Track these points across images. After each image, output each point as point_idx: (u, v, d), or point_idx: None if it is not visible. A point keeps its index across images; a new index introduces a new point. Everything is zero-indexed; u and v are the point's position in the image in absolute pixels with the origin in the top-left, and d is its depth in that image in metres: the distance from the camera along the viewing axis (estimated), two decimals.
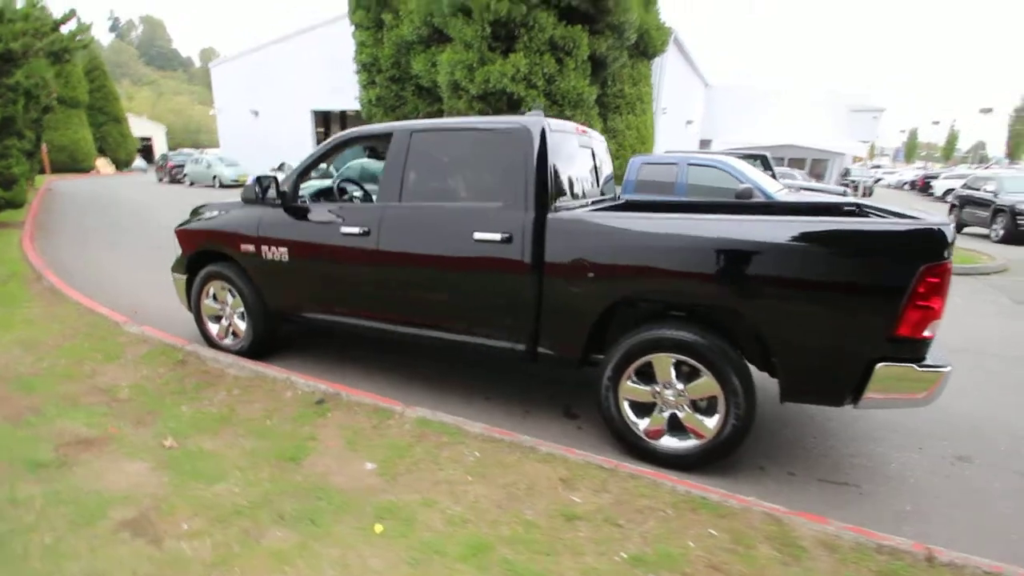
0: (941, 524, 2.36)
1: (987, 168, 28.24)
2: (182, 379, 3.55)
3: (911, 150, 70.54)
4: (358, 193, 4.28)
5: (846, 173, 26.96)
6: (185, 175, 23.02)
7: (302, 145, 23.69)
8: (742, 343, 2.58)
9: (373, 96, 13.07)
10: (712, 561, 1.99)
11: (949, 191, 20.69)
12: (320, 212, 3.48)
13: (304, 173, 3.59)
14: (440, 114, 12.15)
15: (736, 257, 2.36)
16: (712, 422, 2.56)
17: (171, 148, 43.43)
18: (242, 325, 3.95)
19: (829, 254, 2.23)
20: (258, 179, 3.52)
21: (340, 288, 3.43)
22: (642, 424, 2.72)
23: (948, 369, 2.20)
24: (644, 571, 1.94)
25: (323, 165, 5.86)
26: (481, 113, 10.66)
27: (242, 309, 3.90)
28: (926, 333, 2.16)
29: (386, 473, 2.51)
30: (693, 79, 26.70)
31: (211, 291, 4.02)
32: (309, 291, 3.57)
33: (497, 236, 2.81)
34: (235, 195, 4.86)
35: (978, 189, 13.33)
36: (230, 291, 3.93)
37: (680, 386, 2.60)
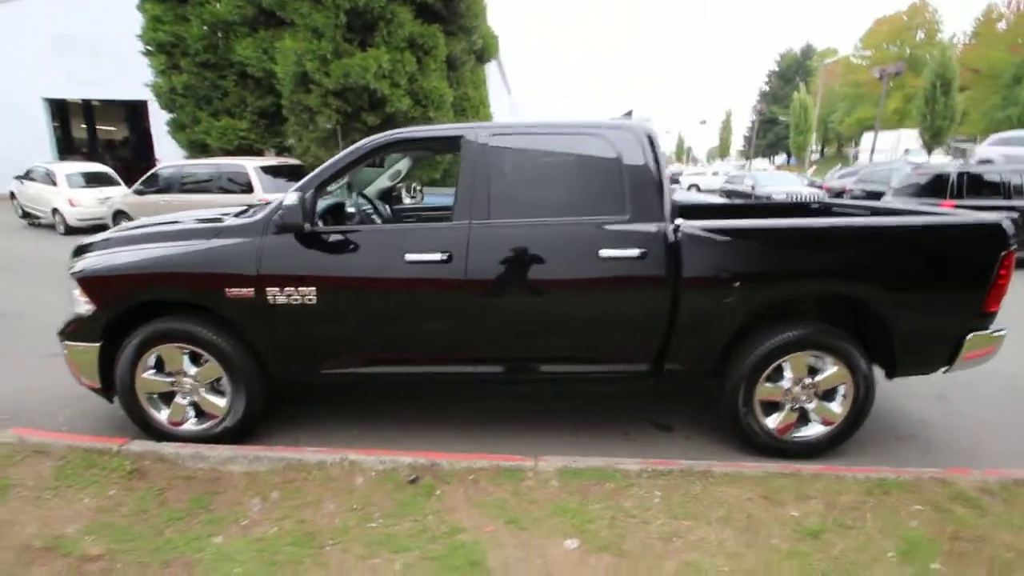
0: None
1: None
2: (161, 498, 2.37)
3: (680, 150, 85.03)
4: (363, 208, 3.41)
5: None
6: None
7: (35, 144, 17.79)
8: (863, 331, 2.82)
9: (178, 84, 10.47)
10: (945, 532, 2.17)
11: (692, 186, 27.13)
12: (365, 237, 2.68)
13: (321, 188, 2.70)
14: (277, 109, 10.43)
15: (869, 251, 2.59)
16: (838, 407, 2.78)
17: None
18: (220, 401, 2.82)
19: (942, 245, 2.62)
20: (302, 198, 2.50)
21: (404, 331, 2.70)
22: (772, 423, 2.80)
23: (1005, 332, 2.79)
24: (923, 560, 2.01)
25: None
26: (338, 110, 9.49)
27: (220, 377, 2.78)
28: (998, 306, 2.70)
29: (595, 545, 2.09)
30: (502, 87, 28.20)
31: (152, 360, 2.77)
32: (352, 340, 2.73)
33: (632, 252, 2.55)
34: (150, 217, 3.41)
35: (740, 183, 17.09)
36: (189, 356, 2.77)
37: (810, 380, 2.75)
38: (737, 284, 2.59)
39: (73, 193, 10.83)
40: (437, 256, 2.57)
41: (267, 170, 8.58)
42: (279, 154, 11.42)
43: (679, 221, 2.60)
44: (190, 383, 2.81)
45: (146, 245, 2.75)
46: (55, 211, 11.01)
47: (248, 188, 8.41)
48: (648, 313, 2.63)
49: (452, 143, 2.71)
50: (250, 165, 8.38)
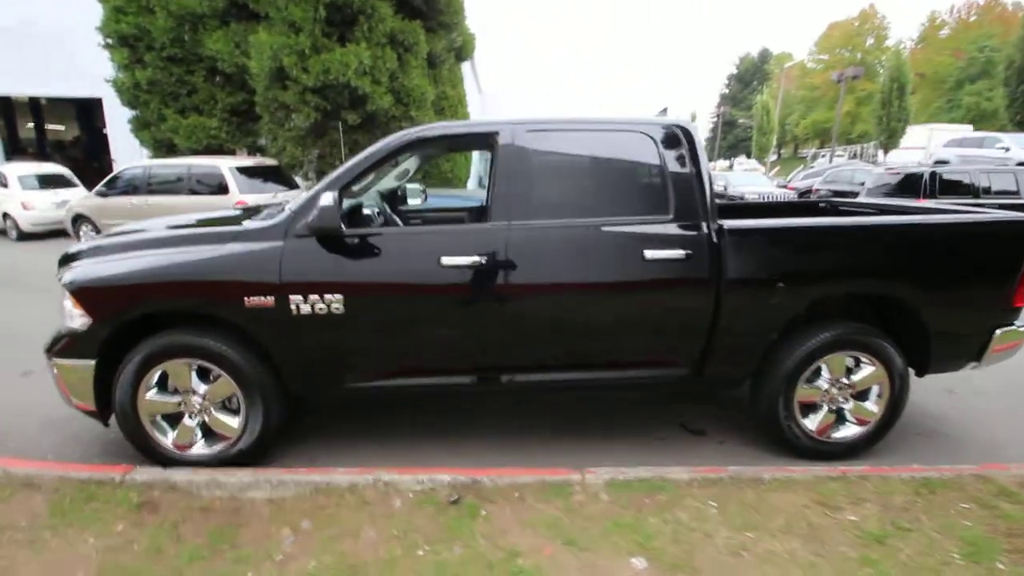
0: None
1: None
2: (176, 533, 2.15)
3: None
4: (376, 209, 3.20)
5: None
6: None
7: None
8: (892, 330, 2.82)
9: (142, 79, 9.84)
10: (998, 529, 2.17)
11: None
12: (395, 240, 2.51)
13: (346, 188, 2.50)
14: (250, 106, 9.96)
15: (909, 249, 2.59)
16: (873, 406, 2.77)
17: None
18: (232, 421, 2.59)
19: (974, 242, 2.63)
20: (338, 199, 2.30)
21: (437, 339, 2.54)
22: (811, 424, 2.77)
23: None
24: (987, 561, 2.00)
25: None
26: (317, 108, 9.12)
27: (235, 395, 2.55)
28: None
29: (665, 563, 1.99)
30: (474, 84, 27.95)
31: (156, 378, 2.52)
32: (382, 351, 2.54)
33: (677, 254, 2.47)
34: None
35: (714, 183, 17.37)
36: (197, 372, 2.53)
37: (847, 380, 2.74)
38: (781, 285, 2.54)
39: (27, 196, 10.09)
40: (475, 259, 2.42)
41: (243, 170, 8.18)
42: (252, 153, 10.94)
43: (722, 221, 2.53)
44: (199, 402, 2.57)
45: (149, 251, 2.49)
46: (6, 216, 10.23)
47: (222, 189, 8.00)
48: (691, 316, 2.55)
49: (485, 140, 2.56)
50: (224, 165, 7.97)
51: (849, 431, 2.80)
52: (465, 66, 20.66)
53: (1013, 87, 21.74)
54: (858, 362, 2.72)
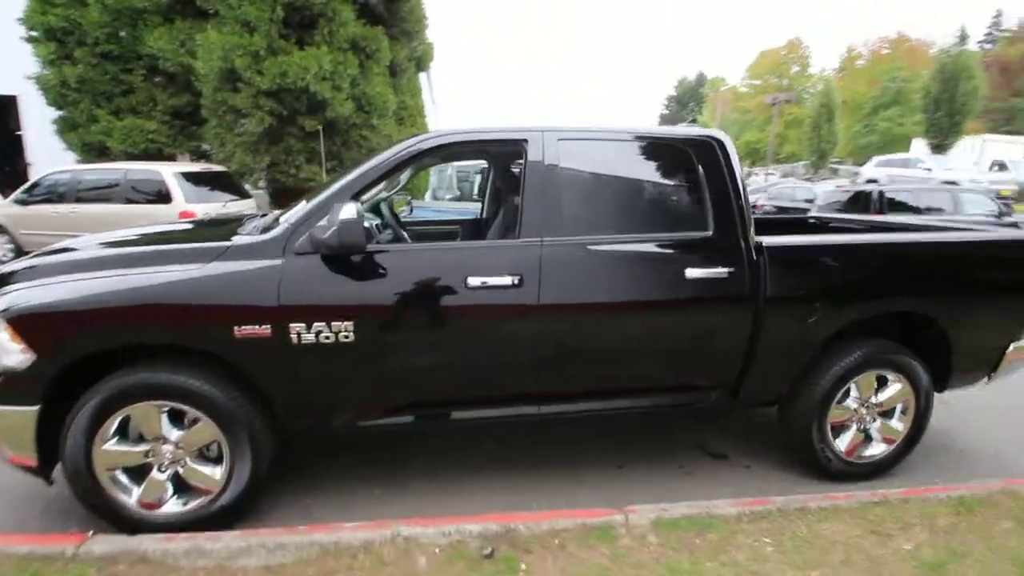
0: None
1: None
2: None
3: None
4: (376, 223, 2.87)
5: None
6: None
7: None
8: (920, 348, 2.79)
9: (71, 77, 8.84)
10: None
11: None
12: (413, 258, 2.22)
13: (356, 198, 2.18)
14: (195, 108, 9.21)
15: (939, 266, 2.58)
16: (899, 424, 2.73)
17: None
18: (213, 471, 2.18)
19: (997, 258, 2.67)
20: (360, 211, 1.97)
21: (462, 368, 2.26)
22: (841, 445, 2.69)
23: None
24: None
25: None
26: (272, 112, 8.54)
27: (216, 442, 2.15)
28: None
29: None
30: (428, 96, 27.61)
31: (116, 425, 2.08)
32: (400, 382, 2.23)
33: (720, 272, 2.32)
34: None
35: None
36: (169, 415, 2.13)
37: (874, 399, 2.68)
38: (818, 304, 2.45)
39: None
40: (506, 280, 2.17)
41: (188, 177, 7.47)
42: (196, 159, 10.12)
43: (760, 238, 2.42)
44: (171, 451, 2.15)
45: (107, 272, 2.06)
46: None
47: (164, 198, 7.26)
48: (731, 337, 2.41)
49: (511, 148, 2.33)
50: (168, 171, 7.24)
51: (876, 450, 2.74)
52: (420, 76, 20.32)
53: (931, 113, 23.85)
54: (884, 380, 2.68)
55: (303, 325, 2.06)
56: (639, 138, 2.43)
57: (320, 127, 8.73)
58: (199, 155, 10.38)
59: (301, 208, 2.23)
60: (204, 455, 2.22)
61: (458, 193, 11.51)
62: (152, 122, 9.32)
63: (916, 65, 36.44)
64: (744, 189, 2.43)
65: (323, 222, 2.03)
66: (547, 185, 2.26)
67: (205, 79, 8.51)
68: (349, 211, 1.92)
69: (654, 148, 2.43)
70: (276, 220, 2.30)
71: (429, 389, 2.29)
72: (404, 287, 2.16)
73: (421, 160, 2.34)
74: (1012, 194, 14.07)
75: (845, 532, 2.21)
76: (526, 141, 2.29)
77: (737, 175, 2.42)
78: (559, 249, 2.24)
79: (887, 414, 2.73)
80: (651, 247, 2.32)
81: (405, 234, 2.97)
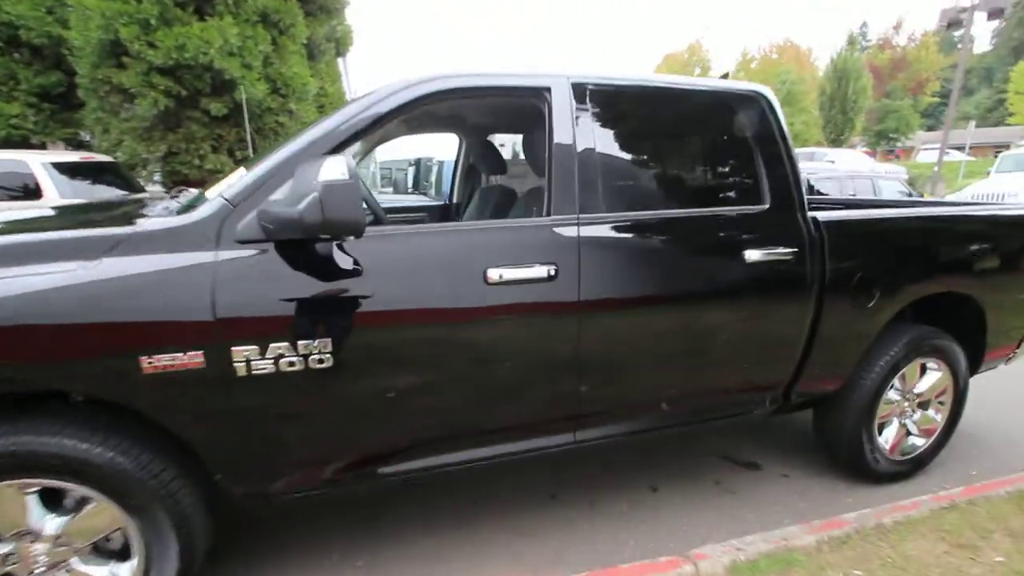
0: None
1: None
2: None
3: None
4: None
5: None
6: None
7: None
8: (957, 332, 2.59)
9: None
10: None
11: None
12: (413, 244, 1.60)
13: (337, 152, 1.53)
14: (72, 88, 7.68)
15: (982, 244, 2.38)
16: (936, 414, 2.53)
17: None
18: (116, 571, 1.46)
19: None
20: (353, 170, 1.30)
21: (486, 392, 1.70)
22: (886, 442, 2.44)
23: None
24: None
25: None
26: (168, 93, 7.27)
27: (120, 529, 1.44)
28: None
29: None
30: (346, 85, 26.03)
31: None
32: (395, 418, 1.62)
33: (783, 252, 1.94)
34: None
35: None
36: (39, 498, 1.39)
37: (918, 388, 2.46)
38: (878, 286, 2.14)
39: None
40: (538, 272, 1.63)
41: (62, 168, 6.13)
42: (74, 148, 8.50)
43: (815, 213, 2.07)
44: (45, 552, 1.40)
45: None
46: None
47: (32, 193, 5.91)
48: (792, 330, 2.06)
49: (528, 98, 1.77)
50: (36, 160, 5.89)
51: (916, 443, 2.52)
52: (339, 63, 18.97)
53: (827, 111, 26.02)
54: (924, 368, 2.45)
55: (254, 348, 1.40)
56: (682, 91, 1.98)
57: (228, 110, 7.61)
58: (77, 144, 8.75)
59: (241, 177, 1.54)
60: (101, 550, 1.48)
61: (391, 190, 10.73)
62: (15, 105, 7.67)
63: (801, 69, 39.87)
64: (794, 154, 2.07)
65: (281, 192, 1.38)
66: (578, 151, 1.73)
67: (81, 53, 7.08)
68: (335, 169, 1.26)
69: (700, 104, 2.00)
70: (201, 196, 1.60)
71: (441, 423, 1.70)
72: (410, 285, 1.55)
73: (407, 111, 1.66)
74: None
75: (931, 551, 1.93)
76: (549, 90, 1.75)
77: (788, 138, 2.05)
78: (602, 230, 1.73)
79: (924, 404, 2.51)
80: (709, 224, 1.89)
81: (382, 216, 2.32)
